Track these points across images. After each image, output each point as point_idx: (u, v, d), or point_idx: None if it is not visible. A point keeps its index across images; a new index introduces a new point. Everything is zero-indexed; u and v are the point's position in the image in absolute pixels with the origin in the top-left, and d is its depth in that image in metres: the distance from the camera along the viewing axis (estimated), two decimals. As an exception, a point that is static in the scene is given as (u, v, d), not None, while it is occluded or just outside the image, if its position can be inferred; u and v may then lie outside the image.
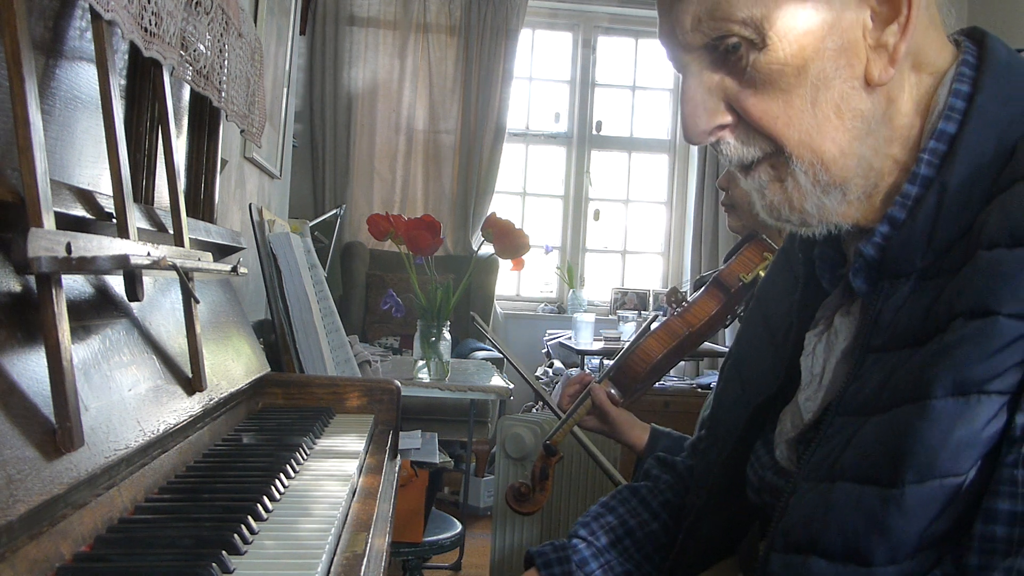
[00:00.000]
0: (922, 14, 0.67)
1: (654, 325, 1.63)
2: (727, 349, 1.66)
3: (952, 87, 0.69)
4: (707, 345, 4.40)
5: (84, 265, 0.71)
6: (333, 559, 0.75)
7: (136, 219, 0.90)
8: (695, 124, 0.70)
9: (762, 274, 1.50)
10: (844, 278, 0.76)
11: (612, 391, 1.61)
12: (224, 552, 0.67)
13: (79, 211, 0.81)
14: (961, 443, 0.59)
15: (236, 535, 0.71)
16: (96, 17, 0.85)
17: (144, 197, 1.16)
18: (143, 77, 1.11)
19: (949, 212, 0.66)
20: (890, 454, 0.61)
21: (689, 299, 1.63)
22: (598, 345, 4.13)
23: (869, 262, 0.70)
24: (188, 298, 1.02)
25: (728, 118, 0.70)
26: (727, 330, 4.80)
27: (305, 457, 1.08)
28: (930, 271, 0.67)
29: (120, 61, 1.07)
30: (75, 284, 0.82)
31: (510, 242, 2.24)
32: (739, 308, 1.64)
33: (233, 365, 1.23)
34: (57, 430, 0.66)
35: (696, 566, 0.90)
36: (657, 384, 3.93)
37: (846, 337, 0.74)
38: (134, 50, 1.01)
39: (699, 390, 3.83)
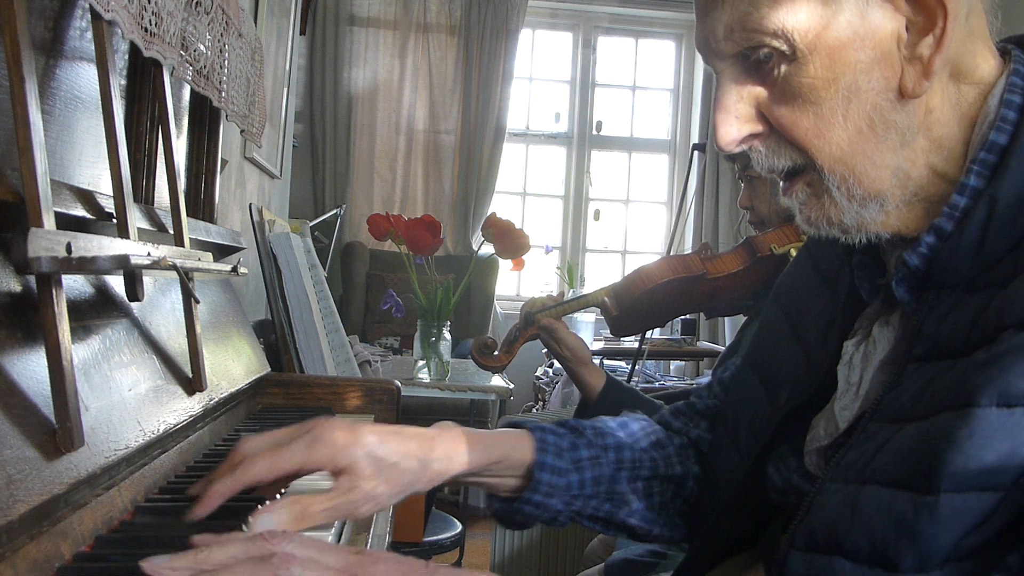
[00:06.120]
0: (961, 25, 0.66)
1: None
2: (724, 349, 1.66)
3: (1003, 97, 0.67)
4: (707, 345, 4.40)
5: (84, 265, 0.71)
6: (333, 559, 0.75)
7: (136, 219, 0.90)
8: (726, 132, 0.70)
9: (793, 252, 1.48)
10: (883, 288, 0.76)
11: (607, 300, 1.64)
12: (224, 552, 0.66)
13: (79, 211, 0.81)
14: (1003, 456, 0.57)
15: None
16: (96, 17, 0.85)
17: (144, 197, 1.16)
18: (143, 77, 1.11)
19: (999, 225, 0.65)
20: (927, 461, 0.60)
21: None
22: (598, 345, 4.13)
23: (914, 272, 0.69)
24: (188, 298, 1.02)
25: (760, 127, 0.70)
26: (727, 330, 4.81)
27: (305, 457, 1.08)
28: (977, 283, 0.66)
29: (120, 61, 1.07)
30: (75, 284, 0.82)
31: (510, 242, 2.24)
32: (746, 301, 1.63)
33: (233, 365, 1.23)
34: (57, 430, 0.66)
35: (712, 562, 0.90)
36: (657, 383, 3.95)
37: (885, 347, 0.73)
38: (134, 50, 1.01)
39: (699, 390, 3.82)
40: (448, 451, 0.83)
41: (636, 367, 3.40)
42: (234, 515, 0.76)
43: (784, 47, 0.66)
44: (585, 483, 0.91)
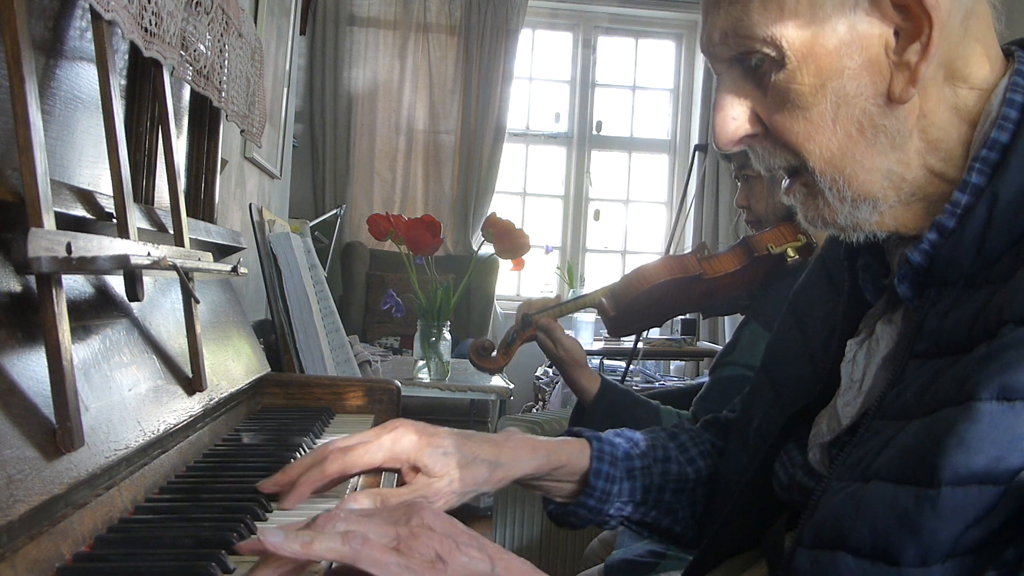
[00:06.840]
0: (954, 30, 0.67)
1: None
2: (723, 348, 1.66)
3: (1005, 96, 0.68)
4: (706, 345, 4.40)
5: (84, 265, 0.71)
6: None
7: (136, 219, 0.90)
8: (724, 133, 0.72)
9: (790, 251, 1.47)
10: (887, 289, 0.77)
11: (604, 301, 1.65)
12: (224, 552, 0.66)
13: (79, 211, 0.81)
14: (1003, 449, 0.58)
15: (236, 535, 0.70)
16: (96, 17, 0.85)
17: (144, 197, 1.16)
18: (143, 77, 1.11)
19: (1000, 222, 0.66)
20: (929, 455, 0.61)
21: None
22: (598, 345, 4.13)
23: (916, 269, 0.70)
24: (188, 298, 1.02)
25: (756, 129, 0.72)
26: (727, 330, 4.81)
27: (305, 457, 1.08)
28: (978, 279, 0.67)
29: (120, 61, 1.07)
30: (75, 284, 0.82)
31: (510, 242, 2.24)
32: (743, 301, 1.63)
33: (233, 365, 1.23)
34: (57, 430, 0.66)
35: (717, 561, 0.91)
36: (657, 383, 3.95)
37: (887, 344, 0.74)
38: (134, 50, 1.01)
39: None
40: (514, 456, 0.89)
41: (631, 367, 3.40)
42: (234, 513, 0.77)
43: (774, 53, 0.68)
44: (636, 491, 0.97)
